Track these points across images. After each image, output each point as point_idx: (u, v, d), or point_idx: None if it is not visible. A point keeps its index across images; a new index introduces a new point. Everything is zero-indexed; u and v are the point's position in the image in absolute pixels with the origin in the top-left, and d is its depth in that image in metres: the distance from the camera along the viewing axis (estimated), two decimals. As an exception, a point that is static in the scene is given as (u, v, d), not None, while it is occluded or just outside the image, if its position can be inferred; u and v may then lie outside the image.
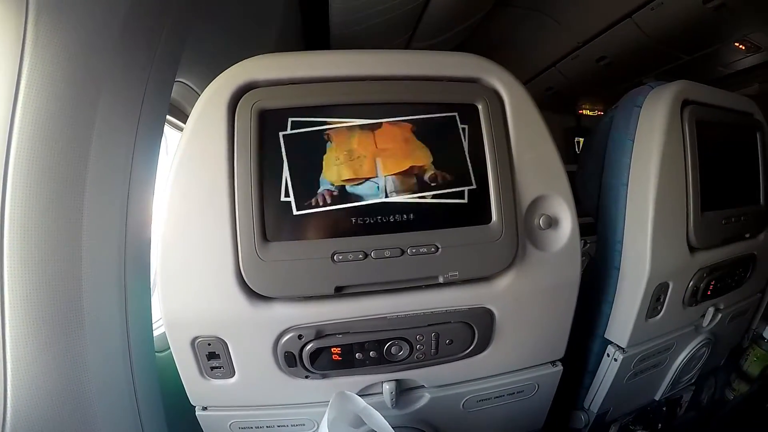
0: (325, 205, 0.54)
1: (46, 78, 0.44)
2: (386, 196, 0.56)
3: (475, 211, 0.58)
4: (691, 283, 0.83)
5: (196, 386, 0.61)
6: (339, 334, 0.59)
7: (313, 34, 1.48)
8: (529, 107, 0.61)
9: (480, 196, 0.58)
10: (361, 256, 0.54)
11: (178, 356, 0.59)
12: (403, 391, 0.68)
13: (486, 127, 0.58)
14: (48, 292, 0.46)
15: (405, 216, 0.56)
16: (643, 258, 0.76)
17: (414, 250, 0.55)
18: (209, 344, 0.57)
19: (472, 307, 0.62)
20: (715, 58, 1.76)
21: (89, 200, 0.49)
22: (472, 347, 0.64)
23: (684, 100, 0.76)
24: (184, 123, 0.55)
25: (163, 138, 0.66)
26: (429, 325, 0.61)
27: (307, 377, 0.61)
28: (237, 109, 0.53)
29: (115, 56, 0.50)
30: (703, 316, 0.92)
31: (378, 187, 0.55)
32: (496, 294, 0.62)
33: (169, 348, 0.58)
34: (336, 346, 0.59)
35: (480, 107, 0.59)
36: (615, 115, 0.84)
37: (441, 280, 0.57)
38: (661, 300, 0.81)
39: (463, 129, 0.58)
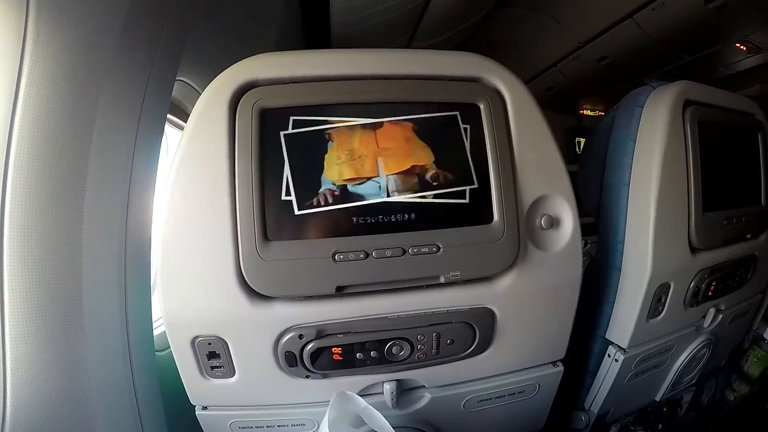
0: (326, 205, 0.54)
1: (46, 76, 0.43)
2: (388, 196, 0.55)
3: (477, 211, 0.58)
4: (692, 284, 0.83)
5: (196, 386, 0.61)
6: (340, 333, 0.58)
7: (314, 34, 1.48)
8: (531, 107, 0.61)
9: (481, 195, 0.58)
10: (362, 255, 0.54)
11: (178, 356, 0.58)
12: (403, 391, 0.68)
13: (488, 127, 0.58)
14: (48, 290, 0.46)
15: (406, 215, 0.56)
16: (645, 258, 0.75)
17: (415, 250, 0.55)
18: (209, 344, 0.57)
19: (474, 307, 0.61)
20: (717, 58, 1.77)
21: (89, 199, 0.49)
22: (473, 347, 0.64)
23: (686, 100, 0.76)
24: (185, 122, 0.55)
25: (163, 137, 0.66)
26: (430, 325, 0.60)
27: (307, 377, 0.61)
28: (238, 108, 0.53)
29: (115, 55, 0.50)
30: (704, 316, 0.92)
31: (379, 186, 0.55)
32: (498, 294, 0.61)
33: (169, 347, 0.58)
34: (337, 346, 0.59)
35: (482, 107, 0.59)
36: (616, 115, 0.84)
37: (442, 280, 0.57)
38: (663, 300, 0.81)
39: (465, 128, 0.58)
